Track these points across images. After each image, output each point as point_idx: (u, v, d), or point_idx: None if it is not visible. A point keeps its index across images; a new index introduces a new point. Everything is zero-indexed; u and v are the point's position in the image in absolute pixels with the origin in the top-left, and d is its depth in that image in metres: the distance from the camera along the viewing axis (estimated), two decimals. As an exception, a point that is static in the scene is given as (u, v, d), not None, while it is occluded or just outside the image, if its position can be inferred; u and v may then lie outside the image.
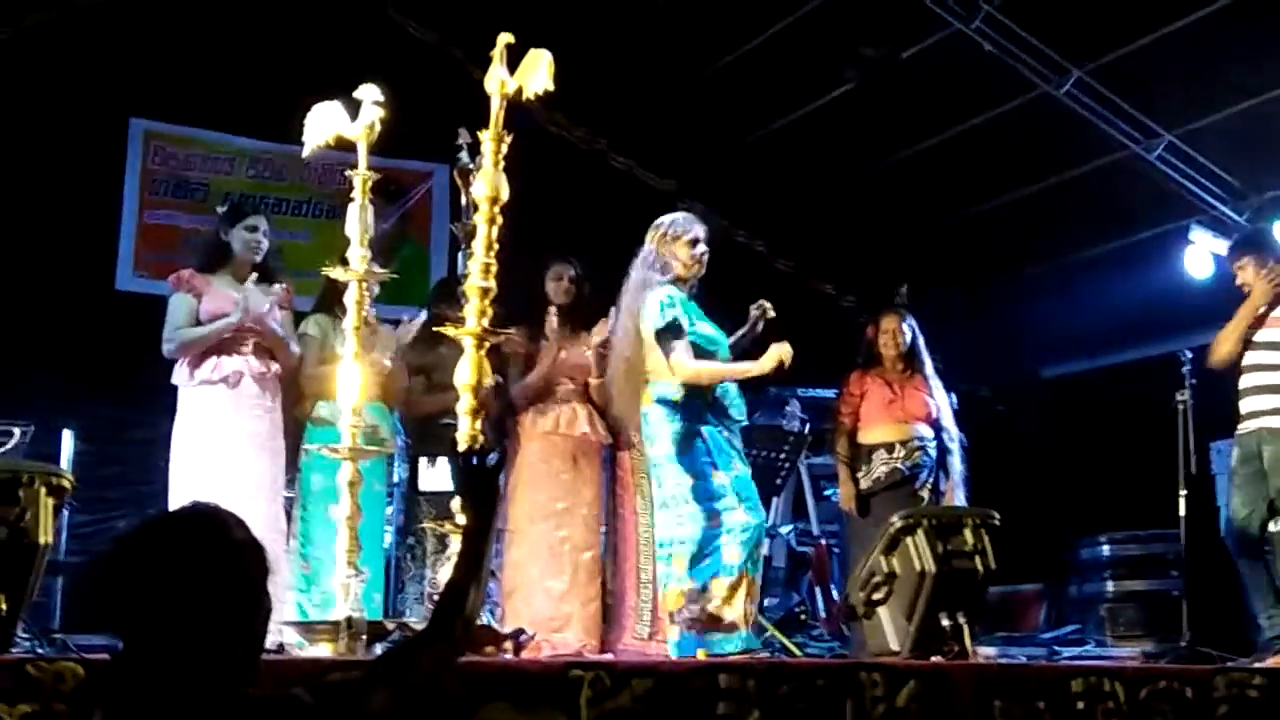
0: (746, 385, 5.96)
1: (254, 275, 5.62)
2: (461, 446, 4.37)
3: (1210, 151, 7.86)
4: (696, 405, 5.25)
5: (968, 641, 4.97)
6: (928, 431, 6.48)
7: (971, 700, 4.37)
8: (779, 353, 5.21)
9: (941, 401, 6.57)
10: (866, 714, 4.17)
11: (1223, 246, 7.23)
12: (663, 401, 5.26)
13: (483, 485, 2.53)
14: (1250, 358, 5.89)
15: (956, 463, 6.50)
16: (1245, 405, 5.91)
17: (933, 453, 6.48)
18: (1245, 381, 5.91)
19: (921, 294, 7.86)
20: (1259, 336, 5.89)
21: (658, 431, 5.26)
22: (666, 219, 5.48)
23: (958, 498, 6.41)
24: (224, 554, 2.09)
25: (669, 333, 5.24)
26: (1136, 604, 7.44)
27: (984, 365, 9.13)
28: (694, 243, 5.41)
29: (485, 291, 4.67)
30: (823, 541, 7.81)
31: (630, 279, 5.42)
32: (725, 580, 5.08)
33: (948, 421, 6.55)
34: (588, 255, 6.38)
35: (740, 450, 5.36)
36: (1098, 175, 8.25)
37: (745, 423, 5.48)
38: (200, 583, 2.05)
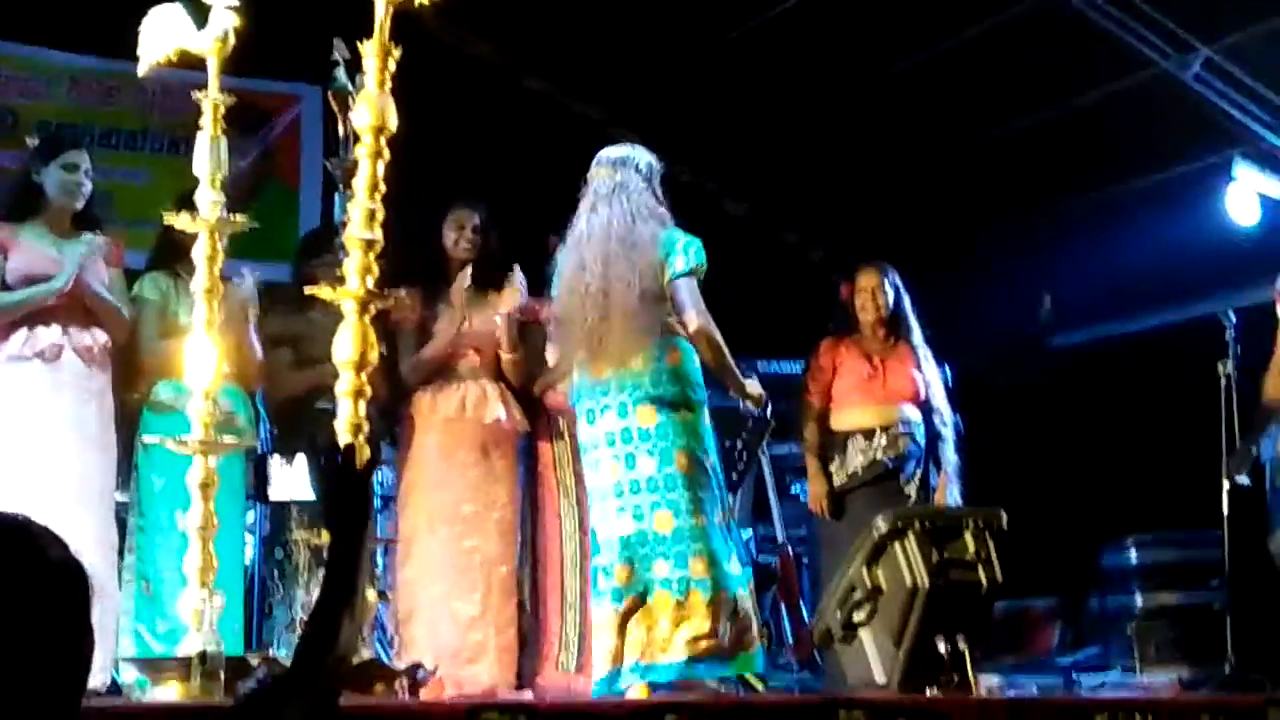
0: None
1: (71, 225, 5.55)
2: (342, 438, 4.32)
3: (1258, 69, 7.88)
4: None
5: (970, 670, 4.98)
6: (915, 414, 6.49)
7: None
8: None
9: (932, 376, 6.58)
10: (848, 761, 4.17)
11: (1273, 186, 7.27)
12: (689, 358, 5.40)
13: (351, 492, 2.46)
14: None
15: (950, 452, 6.52)
16: None
17: (921, 440, 6.49)
18: None
19: (904, 245, 7.85)
20: None
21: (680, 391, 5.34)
22: (646, 157, 5.65)
23: (951, 494, 6.43)
24: (37, 579, 2.02)
25: (693, 277, 5.41)
26: (1170, 621, 7.47)
27: (981, 332, 9.15)
28: None
29: (369, 244, 4.56)
30: (789, 549, 7.81)
31: (626, 208, 5.49)
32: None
33: (940, 401, 6.56)
34: (494, 198, 6.33)
35: None
36: (1120, 99, 8.26)
37: None
38: (7, 615, 1.97)
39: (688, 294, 5.40)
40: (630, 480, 5.31)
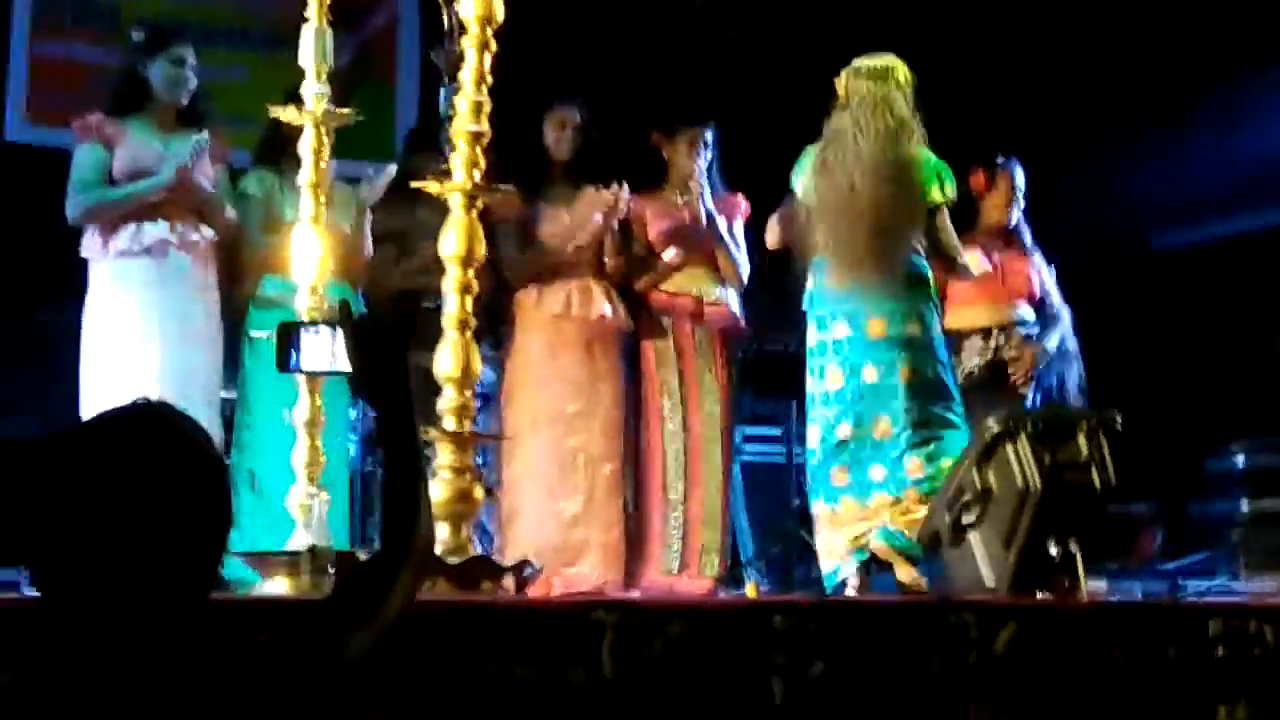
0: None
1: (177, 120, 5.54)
2: (449, 334, 4.28)
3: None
4: None
5: (1081, 575, 4.91)
6: (1031, 313, 6.38)
7: (1086, 646, 4.33)
8: None
9: (1047, 276, 6.46)
10: (956, 663, 4.13)
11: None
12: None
13: (382, 360, 2.32)
14: None
15: (1067, 338, 6.41)
16: None
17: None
18: None
19: (1006, 140, 7.70)
20: None
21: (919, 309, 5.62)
22: (904, 69, 5.74)
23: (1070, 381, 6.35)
24: (187, 461, 1.99)
25: (946, 206, 5.67)
26: (1277, 527, 7.38)
27: (1080, 232, 8.99)
28: None
29: (476, 137, 4.56)
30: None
31: (891, 125, 5.62)
32: None
33: (1056, 299, 6.44)
34: (596, 91, 6.28)
35: None
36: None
37: None
38: (162, 497, 1.95)
39: (945, 223, 5.65)
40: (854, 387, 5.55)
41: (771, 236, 5.88)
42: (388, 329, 2.36)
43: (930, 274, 5.69)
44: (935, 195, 5.62)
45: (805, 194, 5.70)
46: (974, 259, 6.03)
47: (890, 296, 5.56)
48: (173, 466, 1.99)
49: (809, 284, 5.71)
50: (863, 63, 5.72)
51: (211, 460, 2.05)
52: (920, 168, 5.59)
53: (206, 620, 2.04)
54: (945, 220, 5.65)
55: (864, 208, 5.54)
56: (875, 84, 5.66)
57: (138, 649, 1.94)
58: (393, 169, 5.91)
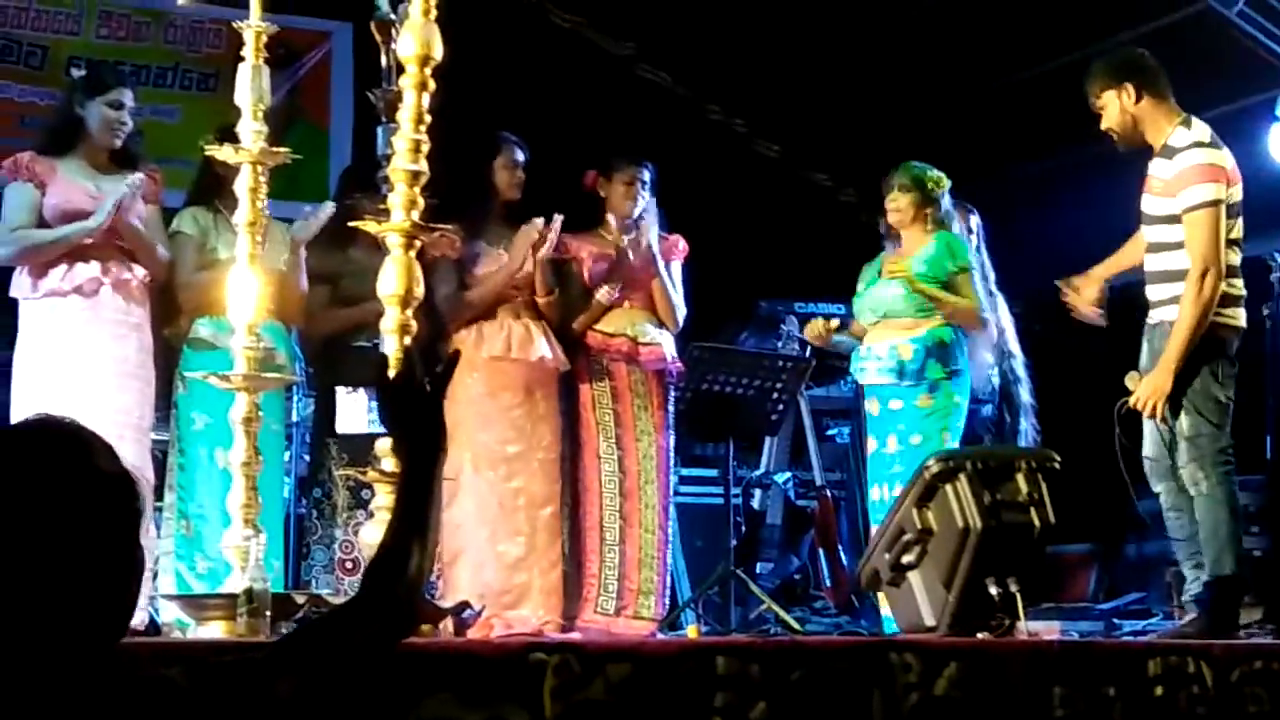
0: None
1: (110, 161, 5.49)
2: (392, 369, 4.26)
3: (1304, 5, 7.78)
4: None
5: (1021, 614, 4.93)
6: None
7: (1026, 686, 4.35)
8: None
9: (1004, 319, 6.48)
10: (898, 703, 4.15)
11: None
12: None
13: (423, 414, 2.32)
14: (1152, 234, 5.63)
15: (1025, 392, 6.43)
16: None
17: (995, 381, 6.40)
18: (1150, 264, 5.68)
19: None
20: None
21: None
22: None
23: (1024, 434, 6.36)
24: (88, 483, 1.94)
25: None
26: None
27: (1012, 276, 9.06)
28: None
29: (415, 176, 4.55)
30: (828, 493, 7.74)
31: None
32: None
33: (1012, 344, 6.47)
34: (525, 132, 6.29)
35: None
36: (1160, 36, 8.14)
37: None
38: (57, 520, 1.89)
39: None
40: None
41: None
42: (423, 385, 2.34)
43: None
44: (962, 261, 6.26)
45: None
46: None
47: None
48: (71, 481, 1.93)
49: None
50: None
51: (114, 476, 1.98)
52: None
53: (114, 655, 1.98)
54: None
55: None
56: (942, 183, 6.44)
57: (35, 688, 1.87)
58: (330, 207, 5.88)
